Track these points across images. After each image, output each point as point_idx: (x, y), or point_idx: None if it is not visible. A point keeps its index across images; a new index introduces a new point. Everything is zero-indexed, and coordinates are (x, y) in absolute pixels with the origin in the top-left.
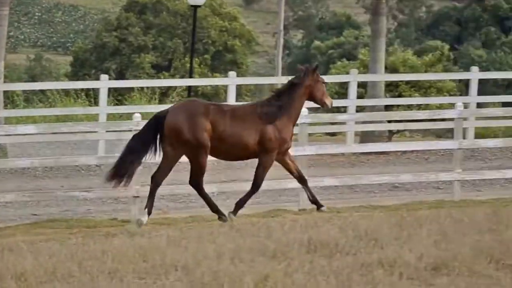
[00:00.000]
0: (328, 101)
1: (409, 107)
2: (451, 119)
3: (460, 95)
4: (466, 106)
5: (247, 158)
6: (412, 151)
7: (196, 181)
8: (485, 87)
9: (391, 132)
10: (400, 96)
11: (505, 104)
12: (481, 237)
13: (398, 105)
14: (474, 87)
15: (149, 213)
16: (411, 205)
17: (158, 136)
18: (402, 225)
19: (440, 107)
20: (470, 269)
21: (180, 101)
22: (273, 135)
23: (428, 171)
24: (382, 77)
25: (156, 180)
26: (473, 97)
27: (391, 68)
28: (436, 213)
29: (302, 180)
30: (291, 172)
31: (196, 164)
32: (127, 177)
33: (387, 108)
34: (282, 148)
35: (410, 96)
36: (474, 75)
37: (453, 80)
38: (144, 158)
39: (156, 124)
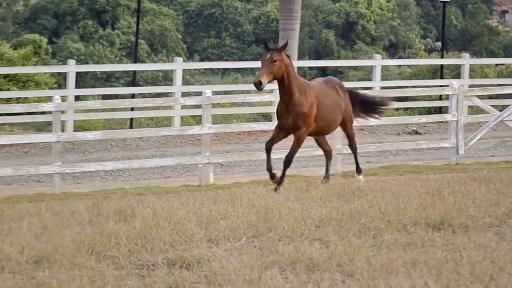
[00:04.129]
0: None
1: (8, 101)
2: (50, 112)
3: (59, 88)
4: (64, 99)
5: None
6: (12, 145)
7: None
8: (84, 80)
9: None
10: None
11: (104, 97)
12: (82, 229)
13: None
14: (71, 80)
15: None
16: (12, 198)
17: None
18: (3, 219)
19: (39, 100)
20: (72, 261)
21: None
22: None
23: (29, 165)
24: None
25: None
26: (72, 90)
27: None
28: (37, 206)
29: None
30: None
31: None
32: None
33: None
34: None
35: (8, 89)
36: (71, 68)
37: (52, 73)
38: None
39: None
